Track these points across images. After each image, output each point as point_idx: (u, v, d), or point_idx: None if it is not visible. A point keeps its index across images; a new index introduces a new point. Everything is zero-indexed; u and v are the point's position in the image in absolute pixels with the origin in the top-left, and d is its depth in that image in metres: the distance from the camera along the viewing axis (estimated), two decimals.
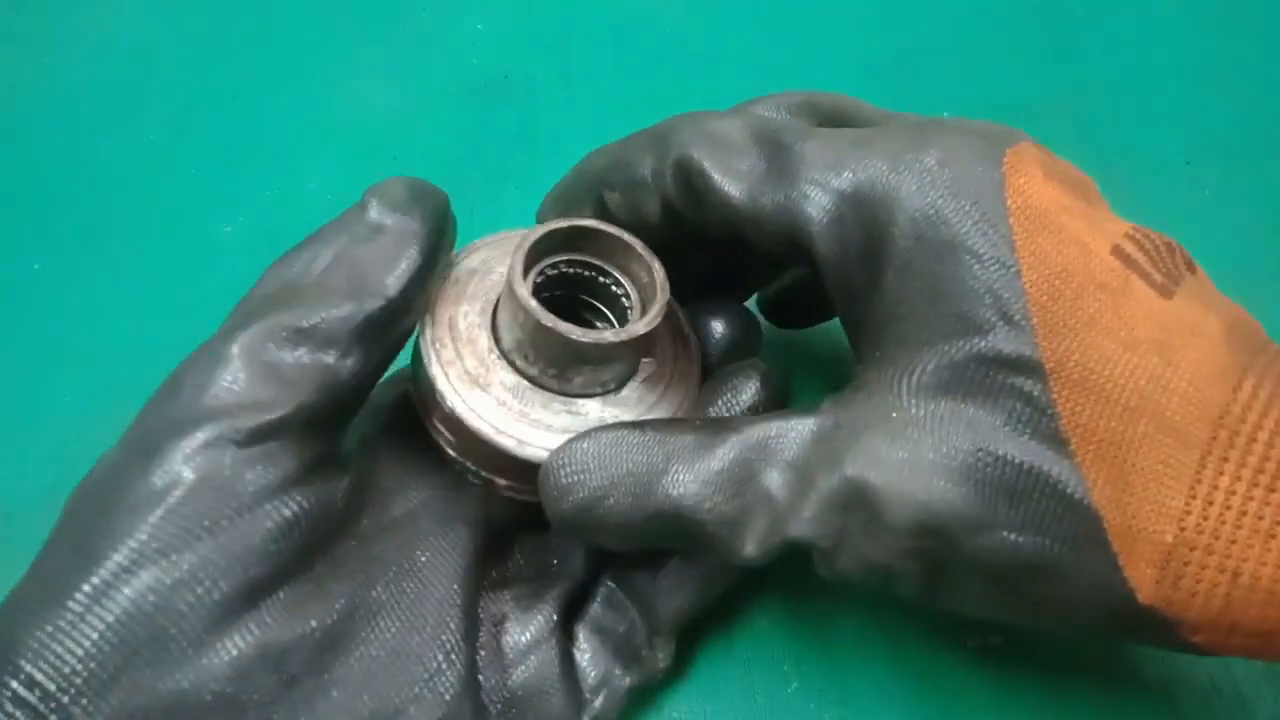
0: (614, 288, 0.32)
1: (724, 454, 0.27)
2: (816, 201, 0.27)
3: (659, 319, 0.29)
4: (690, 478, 0.26)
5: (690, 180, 0.29)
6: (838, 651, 0.34)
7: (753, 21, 0.59)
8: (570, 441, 0.28)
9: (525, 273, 0.30)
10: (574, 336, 0.28)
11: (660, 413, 0.31)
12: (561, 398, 0.30)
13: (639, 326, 0.29)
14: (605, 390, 0.31)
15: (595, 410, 0.30)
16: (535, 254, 0.31)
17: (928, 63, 0.56)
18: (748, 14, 0.59)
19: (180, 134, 0.54)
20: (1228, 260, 0.45)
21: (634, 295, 0.32)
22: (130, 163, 0.52)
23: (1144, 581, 0.23)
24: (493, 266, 0.32)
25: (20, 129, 0.55)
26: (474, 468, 0.31)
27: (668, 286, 0.30)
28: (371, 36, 0.59)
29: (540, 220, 0.35)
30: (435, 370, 0.30)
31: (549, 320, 0.28)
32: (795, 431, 0.27)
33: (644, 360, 0.32)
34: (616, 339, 0.29)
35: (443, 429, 0.31)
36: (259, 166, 0.52)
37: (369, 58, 0.58)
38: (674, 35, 0.58)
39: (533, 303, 0.29)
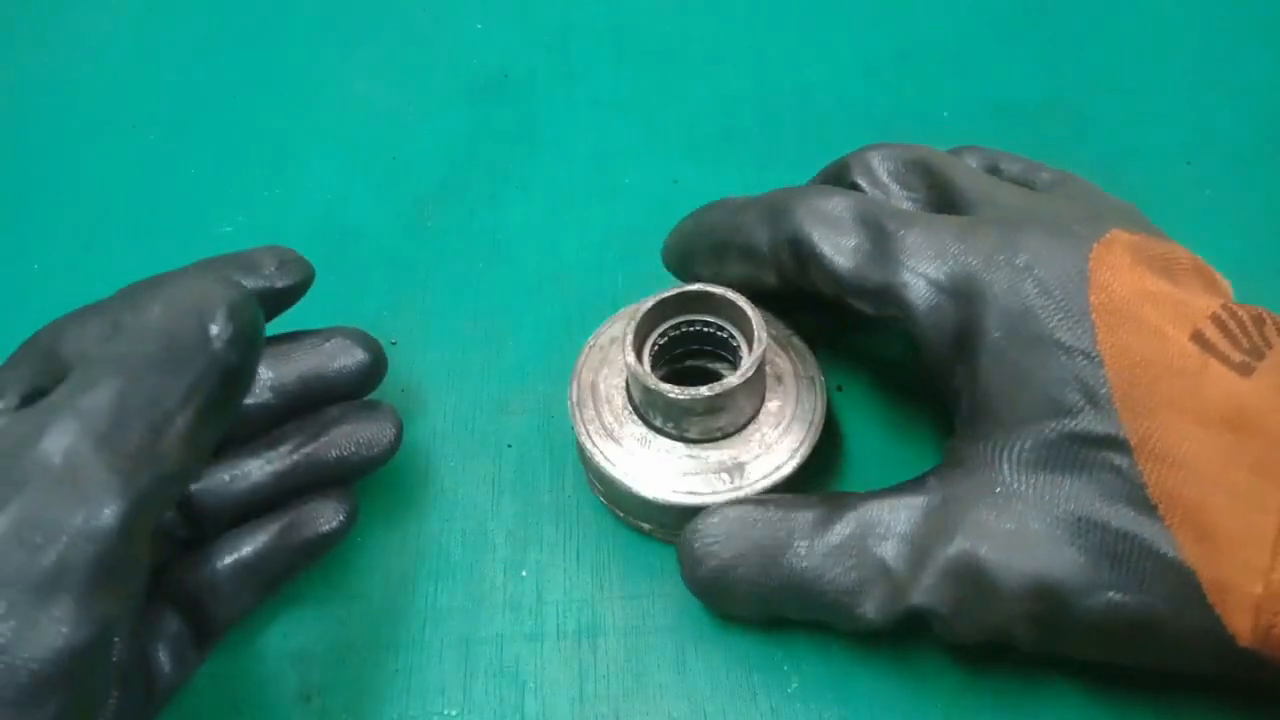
0: (730, 340, 0.36)
1: (841, 530, 0.30)
2: (915, 290, 0.30)
3: (751, 372, 0.33)
4: (811, 552, 0.30)
5: (800, 253, 0.33)
6: (837, 651, 0.34)
7: (752, 21, 0.58)
8: (702, 516, 0.32)
9: (643, 338, 0.35)
10: (671, 395, 0.32)
11: (778, 454, 0.34)
12: (683, 444, 0.34)
13: (732, 380, 0.32)
14: (725, 435, 0.34)
15: (715, 455, 0.34)
16: (650, 322, 0.35)
17: (928, 63, 0.55)
18: (747, 13, 0.59)
19: (180, 134, 0.54)
20: (1228, 260, 0.45)
21: (745, 347, 0.35)
22: (130, 163, 0.52)
23: (1241, 629, 0.25)
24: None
25: (20, 129, 0.55)
26: (621, 514, 0.37)
27: (765, 340, 0.33)
28: (371, 36, 0.59)
29: (663, 258, 0.40)
30: (579, 427, 0.35)
31: (652, 382, 0.33)
32: (906, 508, 0.29)
33: (768, 403, 0.35)
34: (711, 393, 0.32)
35: (594, 480, 0.37)
36: (258, 167, 0.52)
37: (369, 58, 0.57)
38: (674, 34, 0.58)
39: (639, 368, 0.33)
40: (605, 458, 0.35)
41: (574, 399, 0.36)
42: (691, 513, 0.34)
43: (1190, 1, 0.59)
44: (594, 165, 0.51)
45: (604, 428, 0.35)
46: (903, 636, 0.35)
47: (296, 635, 0.36)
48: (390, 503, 0.39)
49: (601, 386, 0.36)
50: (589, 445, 0.35)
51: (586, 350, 0.38)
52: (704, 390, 0.32)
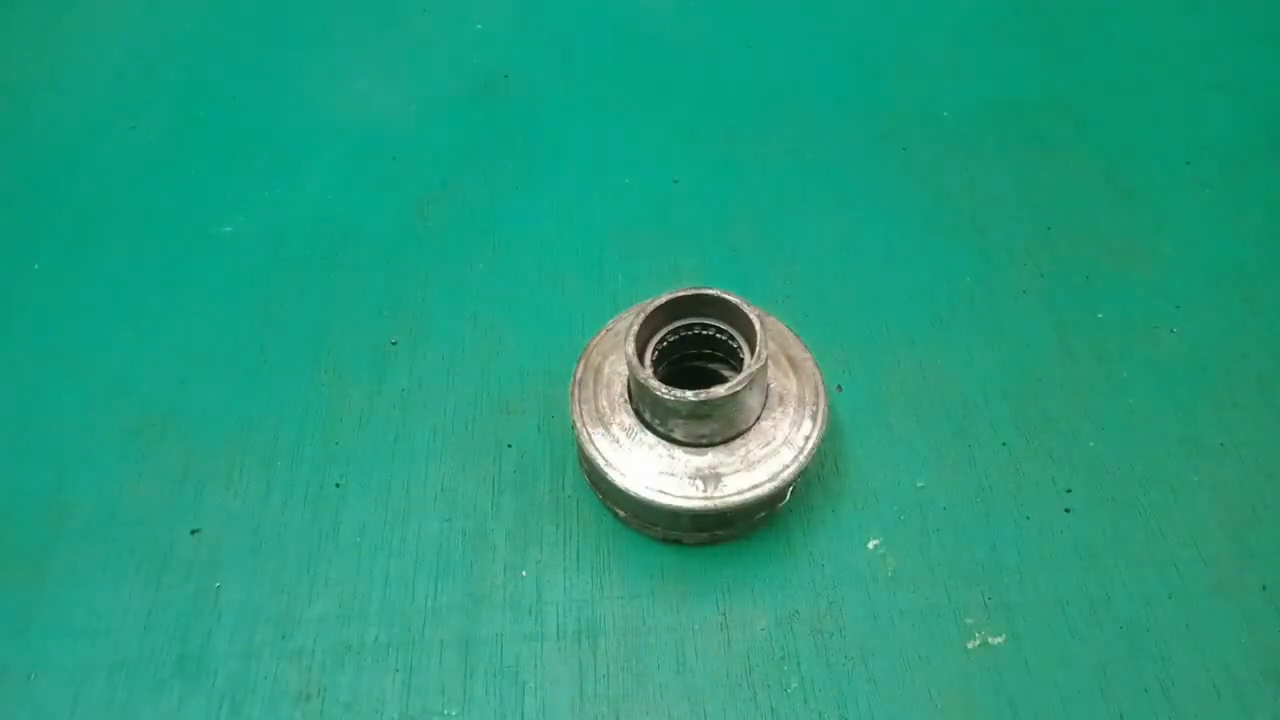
0: (738, 351, 0.36)
1: None
2: None
3: (739, 388, 0.32)
4: None
5: None
6: (835, 652, 0.34)
7: (752, 21, 0.58)
8: None
9: (650, 332, 0.35)
10: (659, 393, 0.32)
11: (758, 473, 0.34)
12: (667, 443, 0.34)
13: (719, 391, 0.32)
14: (710, 443, 0.34)
15: (695, 460, 0.34)
16: (659, 318, 0.35)
17: (928, 63, 0.55)
18: (747, 14, 0.59)
19: (180, 134, 0.54)
20: (1228, 260, 0.45)
21: (748, 361, 0.35)
22: (130, 163, 0.52)
23: None
24: None
25: (20, 128, 0.54)
26: (599, 497, 0.37)
27: (764, 357, 0.33)
28: (372, 37, 0.59)
29: None
30: (573, 406, 0.36)
31: (643, 376, 0.33)
32: None
33: (762, 421, 0.35)
34: (695, 399, 0.32)
35: (581, 460, 0.37)
36: (259, 167, 0.52)
37: (369, 58, 0.57)
38: (673, 34, 0.58)
39: (634, 360, 0.33)
40: (589, 439, 0.35)
41: (578, 376, 0.36)
42: (662, 511, 0.34)
43: (1189, 1, 0.59)
44: (594, 165, 0.51)
45: (597, 410, 0.35)
46: (901, 636, 0.35)
47: (296, 635, 0.36)
48: (390, 502, 0.39)
49: (606, 370, 0.37)
50: (578, 423, 0.35)
51: (602, 333, 0.38)
52: (689, 394, 0.32)
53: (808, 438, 0.35)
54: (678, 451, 0.34)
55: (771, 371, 0.36)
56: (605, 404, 0.36)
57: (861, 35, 0.57)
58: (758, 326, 0.33)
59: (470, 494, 0.39)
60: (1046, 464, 0.39)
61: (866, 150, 0.51)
